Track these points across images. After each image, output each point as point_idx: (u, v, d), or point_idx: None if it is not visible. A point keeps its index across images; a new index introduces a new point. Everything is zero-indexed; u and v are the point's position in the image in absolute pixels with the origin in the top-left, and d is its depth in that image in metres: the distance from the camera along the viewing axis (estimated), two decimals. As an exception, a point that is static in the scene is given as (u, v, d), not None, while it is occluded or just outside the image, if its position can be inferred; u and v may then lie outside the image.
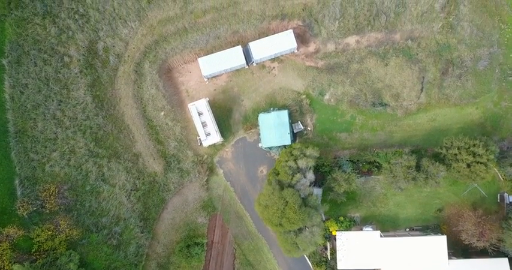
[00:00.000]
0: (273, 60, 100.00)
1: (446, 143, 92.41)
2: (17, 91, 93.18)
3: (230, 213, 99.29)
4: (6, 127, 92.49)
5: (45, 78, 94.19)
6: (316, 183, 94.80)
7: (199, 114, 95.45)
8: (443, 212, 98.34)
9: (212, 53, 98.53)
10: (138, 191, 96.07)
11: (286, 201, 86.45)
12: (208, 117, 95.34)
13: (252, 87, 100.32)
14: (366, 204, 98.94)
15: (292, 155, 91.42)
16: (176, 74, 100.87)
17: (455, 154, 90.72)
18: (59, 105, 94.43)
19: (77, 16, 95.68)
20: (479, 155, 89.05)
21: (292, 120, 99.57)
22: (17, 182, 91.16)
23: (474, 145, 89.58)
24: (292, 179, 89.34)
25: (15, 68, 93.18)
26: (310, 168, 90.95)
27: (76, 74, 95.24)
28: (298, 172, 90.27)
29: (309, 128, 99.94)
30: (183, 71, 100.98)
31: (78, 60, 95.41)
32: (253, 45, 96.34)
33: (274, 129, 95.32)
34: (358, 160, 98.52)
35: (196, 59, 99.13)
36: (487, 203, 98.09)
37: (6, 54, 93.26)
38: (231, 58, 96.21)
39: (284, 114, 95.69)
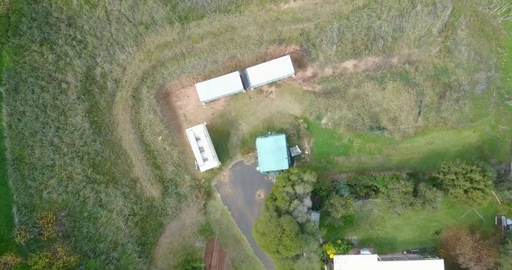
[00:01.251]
0: (270, 84, 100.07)
1: (443, 168, 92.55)
2: (15, 119, 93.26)
3: (228, 237, 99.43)
4: (4, 155, 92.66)
5: (43, 105, 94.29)
6: (313, 207, 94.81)
7: (197, 139, 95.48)
8: (441, 235, 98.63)
9: (210, 77, 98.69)
10: (135, 216, 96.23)
11: (284, 229, 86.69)
12: (206, 143, 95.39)
13: (250, 111, 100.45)
14: (364, 227, 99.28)
15: (290, 180, 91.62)
16: (174, 99, 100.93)
17: (453, 179, 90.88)
18: (57, 131, 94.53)
19: (74, 42, 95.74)
20: (476, 181, 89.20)
21: (290, 144, 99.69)
22: (14, 209, 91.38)
23: (471, 171, 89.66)
24: (289, 205, 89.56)
25: (12, 95, 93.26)
26: (307, 194, 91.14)
27: (74, 100, 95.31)
28: (296, 198, 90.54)
29: (306, 152, 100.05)
30: (181, 96, 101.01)
31: (76, 87, 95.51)
32: (250, 71, 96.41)
33: (271, 154, 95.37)
34: (355, 184, 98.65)
35: (194, 83, 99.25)
36: (484, 226, 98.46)
37: (3, 82, 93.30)
38: (228, 84, 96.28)
39: (281, 138, 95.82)
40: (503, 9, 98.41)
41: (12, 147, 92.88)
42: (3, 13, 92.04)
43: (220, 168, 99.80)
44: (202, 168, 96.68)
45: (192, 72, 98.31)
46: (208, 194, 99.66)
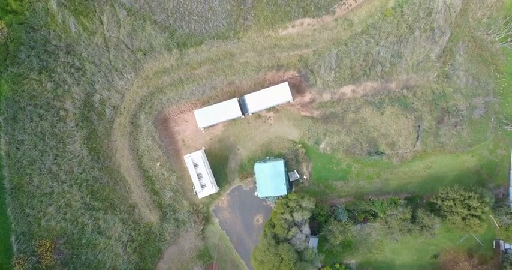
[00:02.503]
0: (268, 110, 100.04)
1: (441, 193, 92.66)
2: (13, 147, 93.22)
3: (226, 262, 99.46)
4: (2, 183, 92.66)
5: (41, 133, 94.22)
6: (312, 231, 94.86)
7: (195, 165, 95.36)
8: (439, 258, 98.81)
9: (209, 102, 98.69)
10: (134, 242, 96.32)
11: (282, 258, 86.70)
12: (204, 169, 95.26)
13: (248, 136, 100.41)
14: (362, 251, 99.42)
15: (288, 206, 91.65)
16: (172, 124, 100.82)
17: (451, 206, 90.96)
18: (55, 159, 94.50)
19: (72, 70, 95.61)
20: (474, 207, 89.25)
21: (288, 168, 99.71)
22: (13, 238, 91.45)
23: (469, 197, 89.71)
24: (288, 233, 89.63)
25: (11, 124, 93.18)
26: (306, 220, 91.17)
27: (72, 127, 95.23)
28: (294, 225, 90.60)
29: (304, 177, 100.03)
30: (179, 121, 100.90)
31: (74, 114, 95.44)
32: (248, 98, 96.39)
33: (270, 180, 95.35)
34: (353, 209, 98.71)
35: (192, 108, 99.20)
36: (482, 249, 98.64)
37: (2, 111, 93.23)
38: (226, 110, 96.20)
39: (280, 164, 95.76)
40: (502, 35, 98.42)
41: (11, 176, 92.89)
42: (1, 42, 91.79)
43: (218, 193, 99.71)
44: (200, 195, 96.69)
45: (190, 98, 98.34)
46: (207, 219, 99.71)
